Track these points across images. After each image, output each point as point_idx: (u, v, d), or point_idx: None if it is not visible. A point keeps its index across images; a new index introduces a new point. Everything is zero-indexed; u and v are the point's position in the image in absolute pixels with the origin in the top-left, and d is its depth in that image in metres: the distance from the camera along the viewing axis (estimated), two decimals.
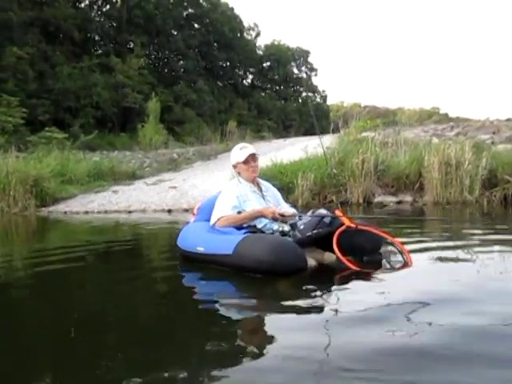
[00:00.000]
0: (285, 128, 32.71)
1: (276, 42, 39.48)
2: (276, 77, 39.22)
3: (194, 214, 3.35)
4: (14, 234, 6.41)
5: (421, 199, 7.04)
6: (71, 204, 8.63)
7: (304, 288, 2.33)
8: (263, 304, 2.13)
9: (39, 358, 1.58)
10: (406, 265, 2.56)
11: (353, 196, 7.31)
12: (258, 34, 38.48)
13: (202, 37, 31.77)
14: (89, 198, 8.96)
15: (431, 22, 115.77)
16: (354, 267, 2.42)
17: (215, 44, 33.40)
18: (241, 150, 3.04)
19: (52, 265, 3.34)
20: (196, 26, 32.62)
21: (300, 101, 40.30)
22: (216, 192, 3.30)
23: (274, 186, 3.36)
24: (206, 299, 2.33)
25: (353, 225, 2.62)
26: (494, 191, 6.67)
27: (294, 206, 3.91)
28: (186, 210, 7.16)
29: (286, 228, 2.80)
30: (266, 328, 1.80)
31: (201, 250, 2.79)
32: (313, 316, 1.84)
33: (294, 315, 1.88)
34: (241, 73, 37.99)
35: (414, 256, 2.65)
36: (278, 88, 40.02)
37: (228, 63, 35.31)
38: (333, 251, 2.52)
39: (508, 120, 11.80)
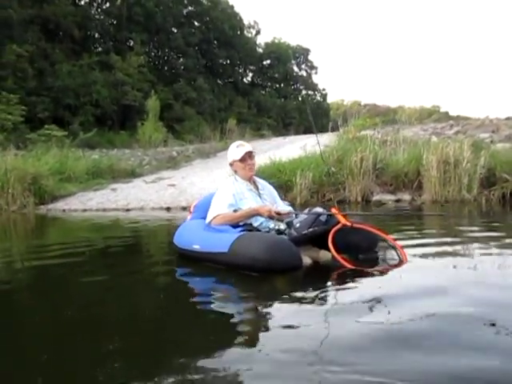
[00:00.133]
0: (284, 126, 32.69)
1: (276, 40, 39.40)
2: (276, 75, 39.16)
3: (190, 212, 3.36)
4: (12, 231, 6.42)
5: (419, 197, 7.04)
6: (70, 202, 8.64)
7: (299, 286, 2.34)
8: (258, 302, 2.13)
9: (39, 357, 1.58)
10: (401, 262, 2.56)
11: (351, 194, 7.31)
12: (258, 32, 38.41)
13: (202, 35, 31.71)
14: (87, 196, 8.97)
15: (433, 20, 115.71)
16: (349, 265, 2.42)
17: (215, 42, 33.34)
18: (237, 148, 3.04)
19: (50, 262, 3.34)
20: (196, 23, 32.54)
21: (300, 99, 40.25)
22: (214, 190, 3.30)
23: (271, 184, 3.37)
24: (202, 297, 2.33)
25: (348, 223, 2.63)
26: (493, 190, 6.68)
27: (292, 204, 3.91)
28: (185, 208, 7.16)
29: (282, 226, 2.80)
30: (261, 325, 1.80)
31: (197, 248, 2.80)
32: (307, 313, 1.84)
33: (288, 313, 1.88)
34: (241, 71, 37.93)
35: (408, 253, 2.66)
36: (278, 86, 39.95)
37: (228, 61, 35.23)
38: (328, 249, 2.52)
39: (507, 119, 11.78)
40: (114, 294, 2.44)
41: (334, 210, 2.76)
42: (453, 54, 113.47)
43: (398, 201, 7.07)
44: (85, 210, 7.91)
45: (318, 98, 42.39)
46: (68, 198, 8.97)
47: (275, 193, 3.24)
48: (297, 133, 23.95)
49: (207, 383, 1.31)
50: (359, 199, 7.22)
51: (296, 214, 2.87)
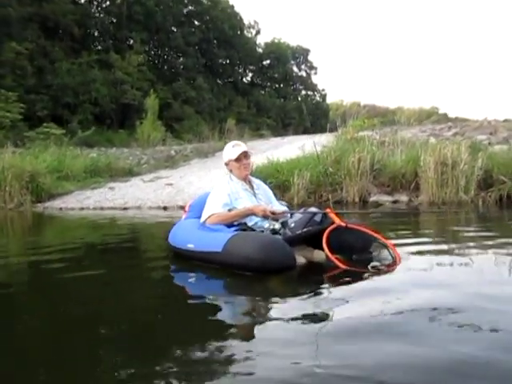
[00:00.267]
0: (284, 126, 32.69)
1: (276, 40, 39.45)
2: (276, 75, 39.19)
3: (185, 211, 3.35)
4: (9, 229, 6.41)
5: (416, 199, 7.04)
6: (67, 200, 8.63)
7: (293, 286, 2.34)
8: (252, 301, 2.13)
9: (38, 355, 1.58)
10: (394, 263, 2.56)
11: (348, 195, 7.31)
12: (258, 32, 38.46)
13: (201, 34, 31.73)
14: (85, 195, 8.96)
15: (433, 21, 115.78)
16: (342, 266, 2.42)
17: (215, 41, 33.37)
18: (233, 148, 3.04)
19: (47, 260, 3.33)
20: (196, 23, 32.57)
21: (299, 99, 40.28)
22: (210, 189, 3.30)
23: (267, 184, 3.37)
24: (197, 297, 2.31)
25: (343, 223, 2.62)
26: (490, 191, 6.68)
27: (290, 204, 3.91)
28: (182, 207, 7.13)
29: (277, 226, 2.79)
30: (255, 325, 1.80)
31: (191, 247, 2.79)
32: (301, 313, 1.84)
33: (282, 312, 1.88)
34: (240, 70, 37.96)
35: (402, 253, 2.66)
36: (277, 86, 39.99)
37: (228, 61, 35.26)
38: (322, 249, 2.52)
39: (505, 121, 11.80)
40: (110, 290, 2.45)
41: (328, 210, 2.75)
42: (452, 56, 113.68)
43: (395, 202, 7.07)
44: (82, 209, 7.90)
45: (318, 99, 42.45)
46: (65, 196, 8.96)
47: (270, 192, 3.23)
48: (296, 133, 23.92)
49: (202, 377, 1.33)
50: (356, 200, 7.21)
51: (291, 214, 2.86)
